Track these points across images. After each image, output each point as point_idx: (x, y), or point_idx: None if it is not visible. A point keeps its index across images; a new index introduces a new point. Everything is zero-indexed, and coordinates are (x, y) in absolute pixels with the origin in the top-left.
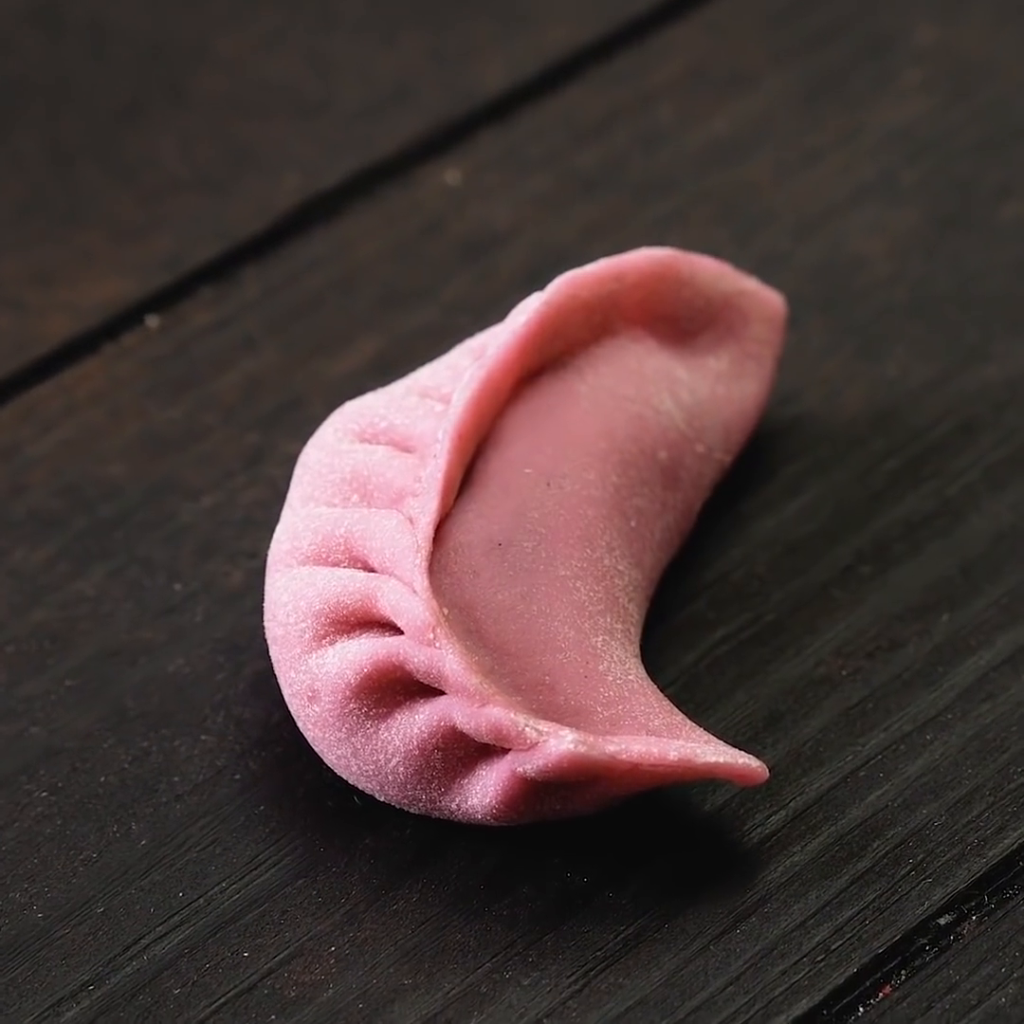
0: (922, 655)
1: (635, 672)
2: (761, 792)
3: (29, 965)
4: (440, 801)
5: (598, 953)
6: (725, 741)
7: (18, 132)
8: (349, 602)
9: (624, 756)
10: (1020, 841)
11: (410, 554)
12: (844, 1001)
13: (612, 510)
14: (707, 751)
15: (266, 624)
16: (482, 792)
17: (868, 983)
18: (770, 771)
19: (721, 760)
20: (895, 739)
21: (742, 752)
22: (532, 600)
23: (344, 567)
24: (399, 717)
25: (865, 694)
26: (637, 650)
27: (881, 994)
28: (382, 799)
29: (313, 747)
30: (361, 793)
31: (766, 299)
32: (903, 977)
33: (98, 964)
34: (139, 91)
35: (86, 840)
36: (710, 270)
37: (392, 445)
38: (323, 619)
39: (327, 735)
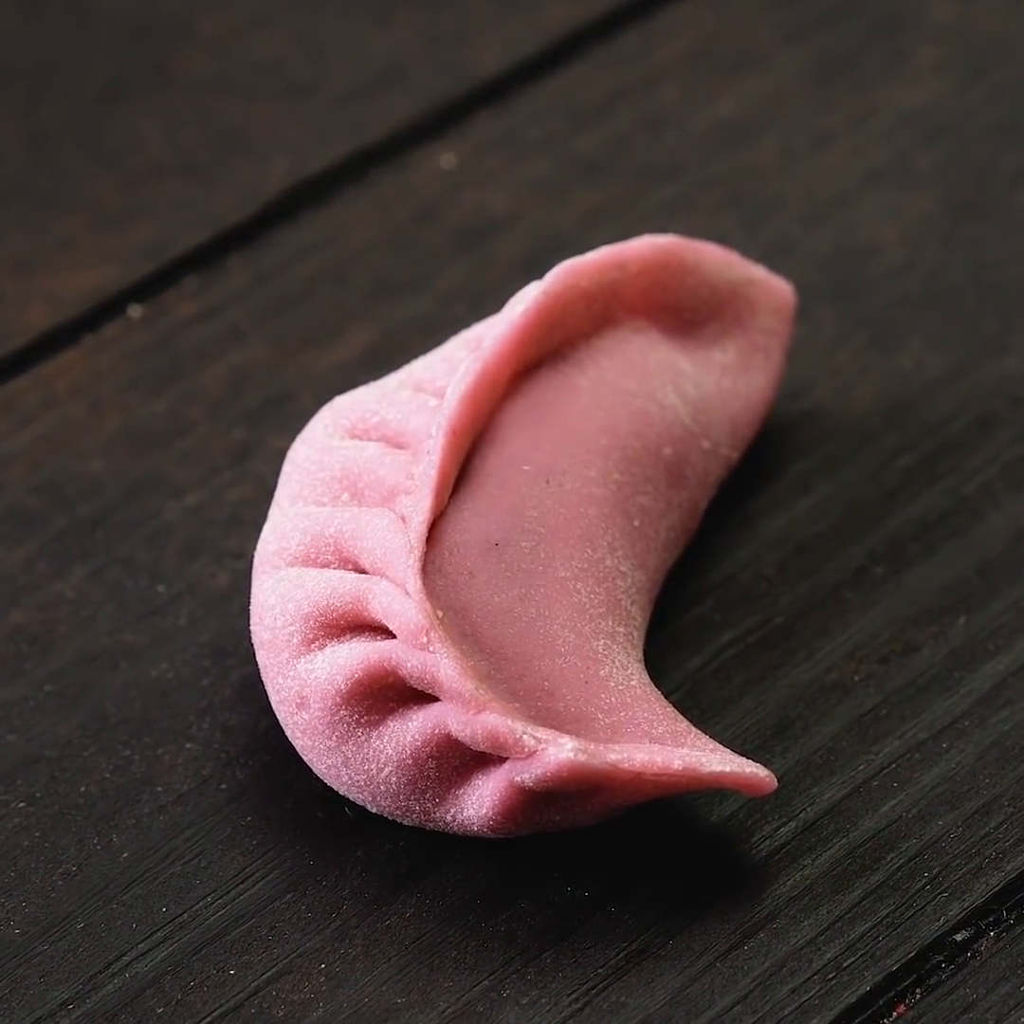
0: (938, 659)
1: (638, 677)
2: (769, 803)
3: (6, 983)
4: (435, 812)
5: (600, 970)
6: (732, 749)
7: None
8: (339, 605)
9: (626, 765)
10: None
11: (403, 554)
12: (857, 1020)
13: (614, 509)
14: (713, 760)
15: (253, 628)
16: (478, 803)
17: (882, 1002)
18: (779, 780)
19: (728, 769)
20: (909, 747)
21: (750, 761)
22: (530, 602)
23: (334, 568)
24: (391, 724)
25: (878, 700)
26: (640, 654)
27: (895, 1013)
28: (374, 810)
29: (302, 756)
30: (352, 804)
31: (774, 288)
32: (918, 996)
33: (78, 982)
34: (121, 72)
35: (66, 852)
36: (716, 258)
37: (384, 441)
38: (312, 622)
39: (317, 743)
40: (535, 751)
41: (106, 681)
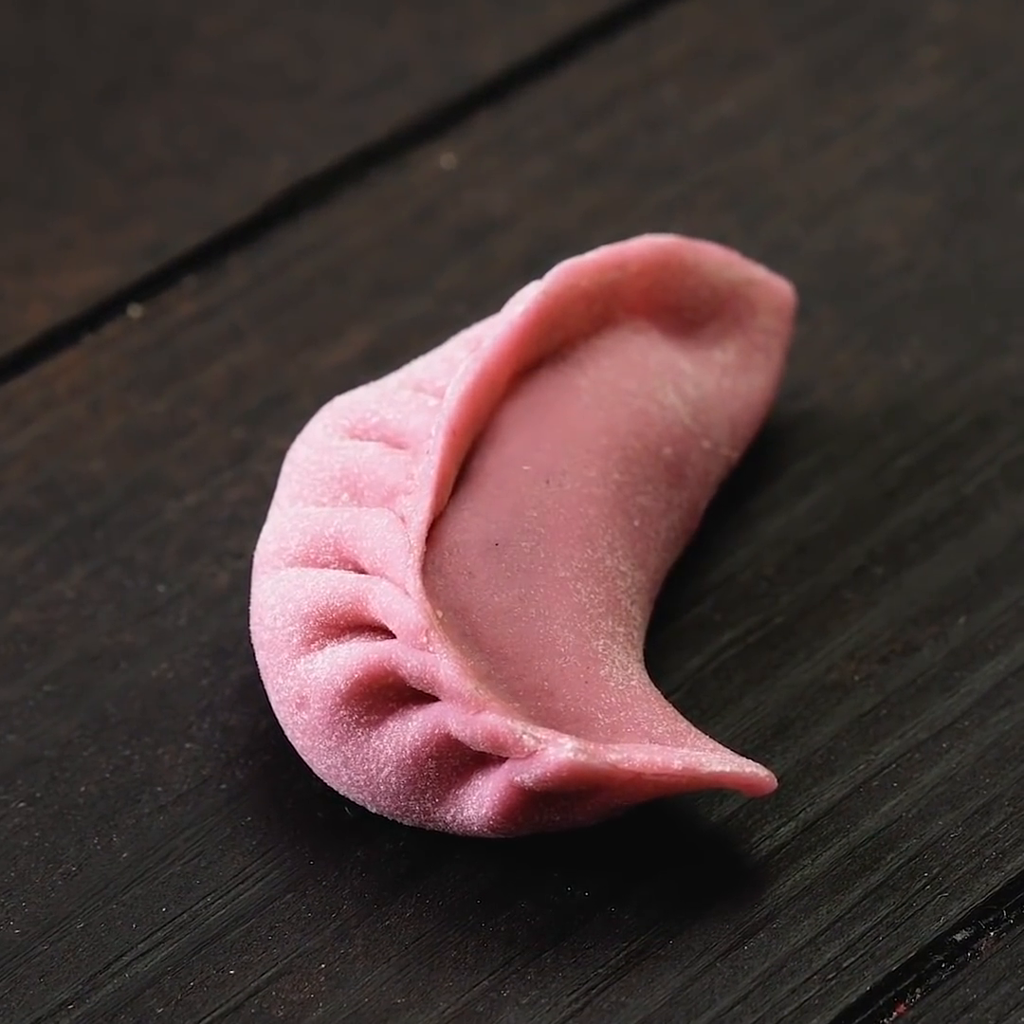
0: (938, 659)
1: (638, 677)
2: (769, 803)
3: (6, 983)
4: (434, 812)
5: (600, 971)
6: (732, 749)
7: None
8: (339, 605)
9: (626, 765)
10: None
11: (402, 554)
12: (857, 1020)
13: (614, 509)
14: (713, 760)
15: (252, 628)
16: (478, 803)
17: (882, 1002)
18: (779, 780)
19: (728, 769)
20: (909, 747)
21: (750, 761)
22: (530, 602)
23: (334, 568)
24: (391, 725)
25: (878, 700)
26: (640, 654)
27: (895, 1013)
28: (374, 810)
29: (302, 756)
30: (352, 804)
31: (774, 288)
32: (918, 996)
33: (78, 982)
34: (121, 72)
35: (65, 853)
36: (716, 258)
37: (384, 441)
38: (312, 622)
39: (316, 743)
40: (535, 751)
41: (106, 681)
